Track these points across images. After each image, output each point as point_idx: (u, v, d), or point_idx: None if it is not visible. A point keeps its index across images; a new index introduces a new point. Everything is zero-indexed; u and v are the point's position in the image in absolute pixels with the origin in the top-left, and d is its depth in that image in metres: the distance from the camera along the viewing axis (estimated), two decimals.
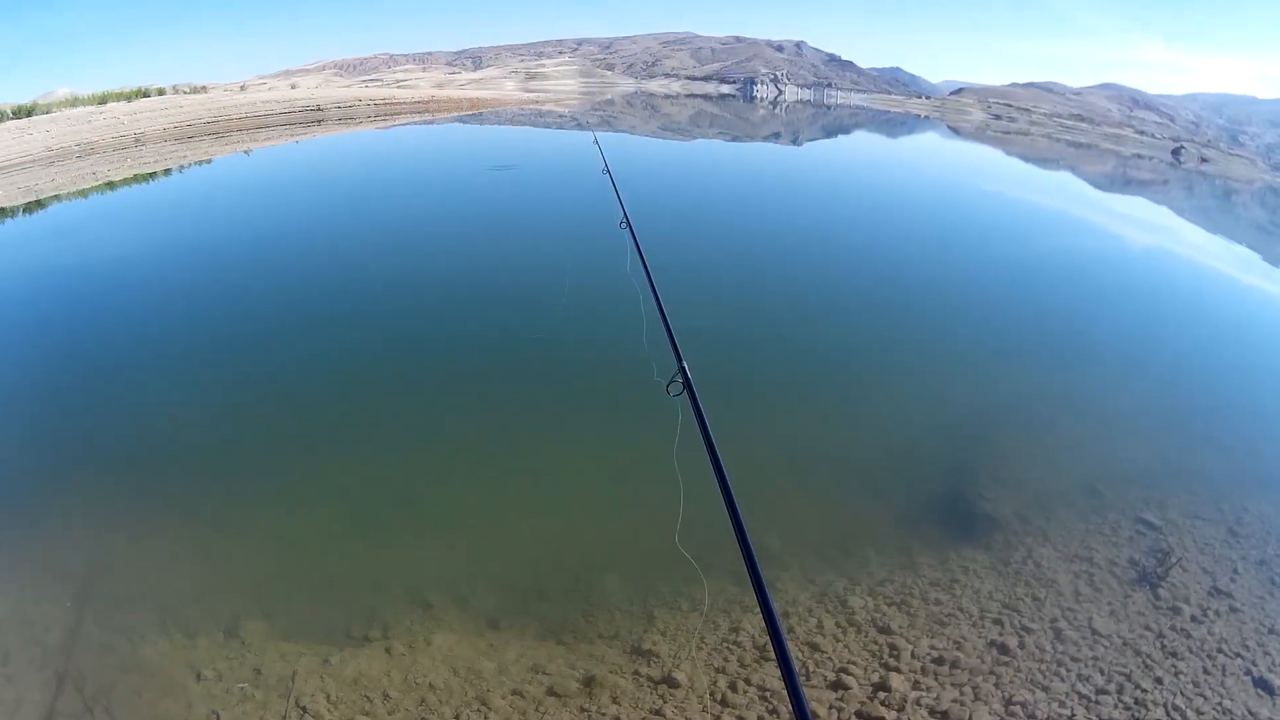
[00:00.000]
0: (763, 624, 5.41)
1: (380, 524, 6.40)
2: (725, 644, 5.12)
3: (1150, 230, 23.34)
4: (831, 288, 13.07)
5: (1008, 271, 15.31)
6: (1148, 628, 5.51)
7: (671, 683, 4.81)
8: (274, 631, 5.12)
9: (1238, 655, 5.36)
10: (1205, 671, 5.19)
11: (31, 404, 8.35)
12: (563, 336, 9.85)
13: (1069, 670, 5.05)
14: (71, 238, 16.50)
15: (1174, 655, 5.28)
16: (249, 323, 10.51)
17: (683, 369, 2.64)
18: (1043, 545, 6.37)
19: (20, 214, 19.52)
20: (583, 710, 4.61)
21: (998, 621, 5.44)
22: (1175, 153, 55.56)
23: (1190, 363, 11.33)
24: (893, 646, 5.11)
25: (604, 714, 4.59)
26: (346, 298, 11.42)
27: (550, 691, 4.73)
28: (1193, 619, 5.65)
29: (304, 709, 4.49)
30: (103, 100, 39.42)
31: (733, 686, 4.79)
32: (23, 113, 34.63)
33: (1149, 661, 5.19)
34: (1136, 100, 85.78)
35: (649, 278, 3.61)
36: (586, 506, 6.78)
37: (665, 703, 4.68)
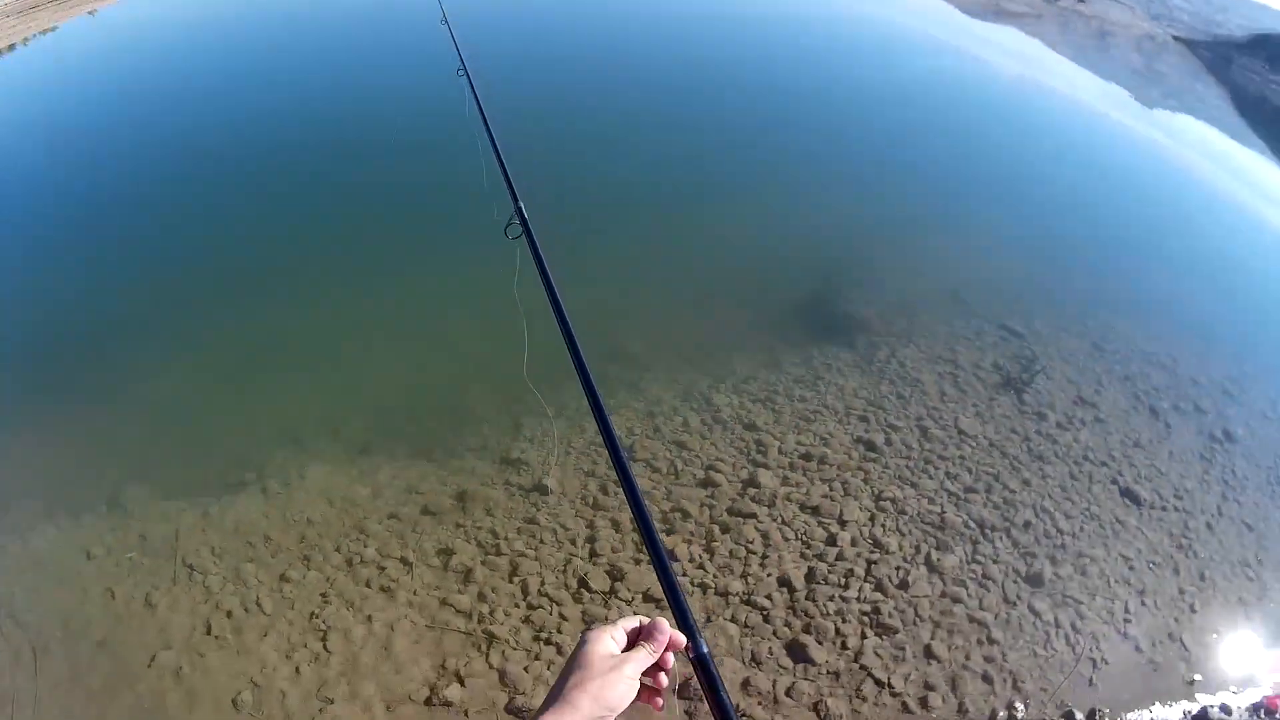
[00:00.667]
0: (626, 426, 4.98)
1: (246, 370, 5.91)
2: (593, 446, 4.75)
3: (1021, 61, 23.21)
4: (693, 106, 12.15)
5: (875, 90, 14.73)
6: (1014, 431, 5.34)
7: (542, 490, 4.54)
8: (154, 493, 4.74)
9: (1103, 464, 5.25)
10: (1072, 477, 5.06)
11: None
12: (408, 183, 8.77)
13: (936, 468, 4.82)
14: None
15: (1041, 459, 5.12)
16: (99, 189, 9.08)
17: (519, 209, 2.11)
18: (906, 346, 6.08)
19: None
20: (458, 526, 4.35)
21: (863, 419, 5.13)
22: None
23: (1060, 190, 11.16)
24: (760, 443, 4.74)
25: (479, 527, 4.32)
26: (193, 154, 9.95)
27: (425, 510, 4.47)
28: (1058, 425, 5.51)
29: (191, 566, 4.21)
30: None
31: (603, 489, 4.47)
32: None
33: (1016, 464, 5.01)
34: None
35: (484, 119, 3.05)
36: (445, 333, 6.27)
37: (538, 510, 4.41)
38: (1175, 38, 35.08)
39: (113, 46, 22.19)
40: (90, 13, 29.32)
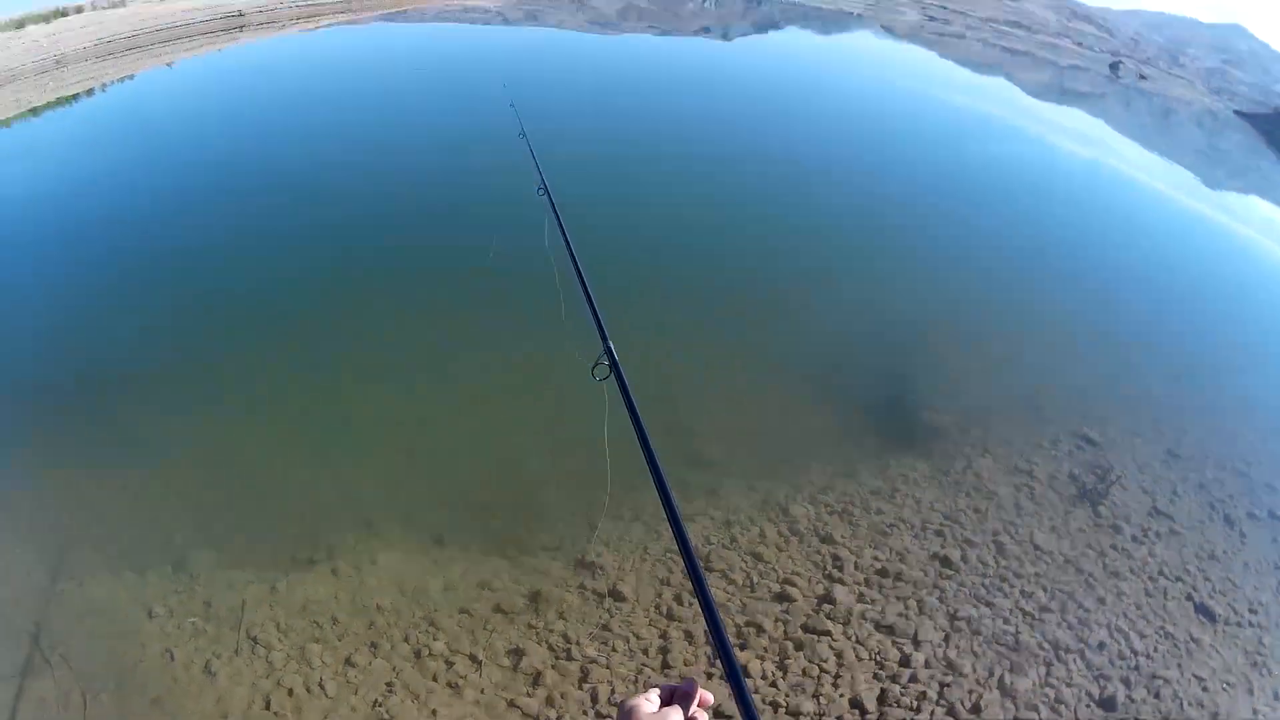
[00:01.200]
0: (703, 535, 5.13)
1: (320, 446, 6.03)
2: (669, 554, 4.85)
3: (1087, 143, 23.25)
4: (764, 197, 12.47)
5: (945, 179, 14.94)
6: (1089, 546, 5.38)
7: (617, 596, 4.60)
8: (221, 561, 4.85)
9: (1179, 579, 5.27)
10: (1147, 594, 5.09)
11: None
12: (491, 280, 9.09)
13: (1012, 586, 4.88)
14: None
15: (1116, 575, 5.16)
16: (175, 248, 9.44)
17: (608, 349, 2.30)
18: (982, 457, 6.18)
19: None
20: (530, 627, 4.42)
21: (939, 534, 5.23)
22: (1114, 67, 55.77)
23: (1128, 282, 11.21)
24: (836, 557, 4.87)
25: (551, 630, 4.39)
26: (276, 218, 10.34)
27: (497, 609, 4.54)
28: (1133, 539, 5.54)
29: (255, 639, 4.31)
30: (20, 25, 36.35)
31: (678, 599, 4.56)
32: None
33: (1091, 581, 5.06)
34: (1076, 11, 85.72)
35: (568, 246, 3.19)
36: (524, 428, 6.35)
37: (612, 617, 4.48)
38: (1236, 112, 34.67)
39: (197, 92, 23.13)
40: (168, 64, 30.92)
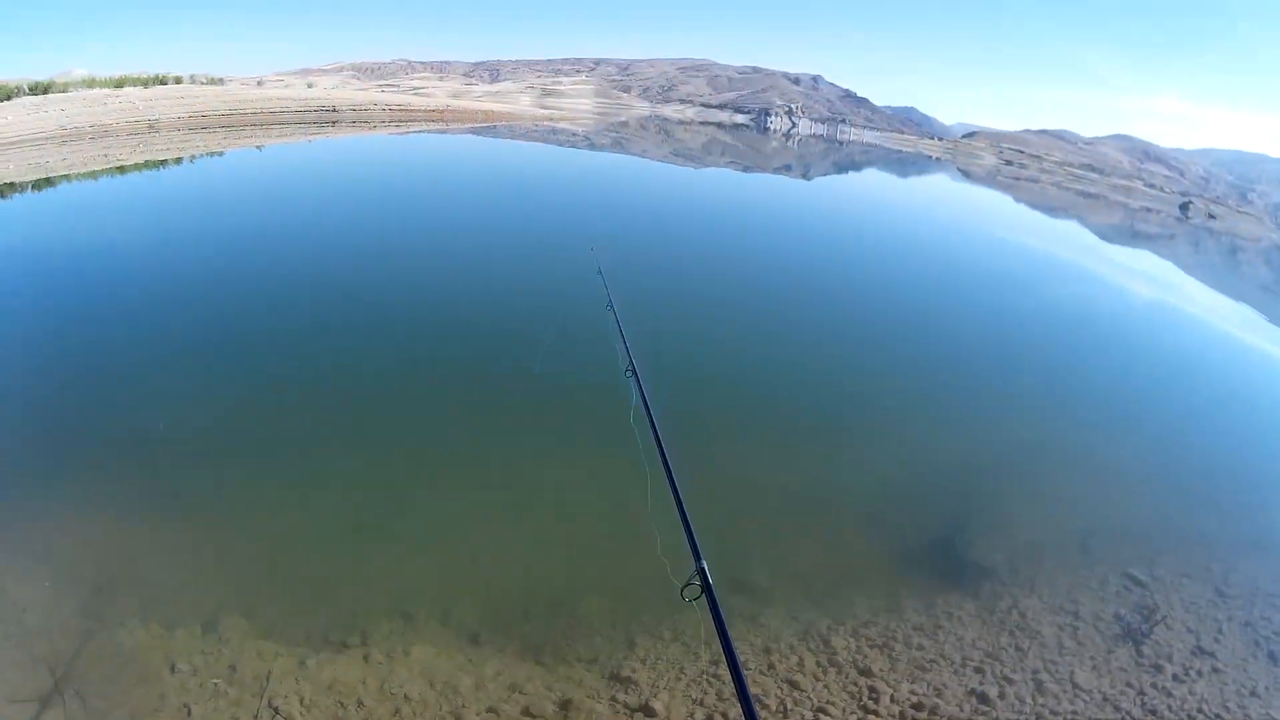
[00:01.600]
0: (740, 659, 5.44)
1: (366, 533, 6.39)
2: (705, 676, 5.11)
3: (1155, 284, 23.43)
4: (828, 331, 13.09)
5: (1009, 319, 15.38)
6: (1129, 684, 5.51)
7: (649, 711, 4.79)
8: (253, 629, 5.11)
9: (1217, 716, 5.35)
10: None
11: (24, 388, 8.31)
12: (544, 373, 9.76)
13: None
14: (80, 219, 16.65)
15: (1153, 713, 5.27)
16: (246, 321, 10.46)
17: (701, 569, 2.50)
18: (1029, 596, 6.38)
19: (29, 190, 19.65)
20: None
21: (979, 670, 5.44)
22: (1183, 207, 55.97)
23: (1190, 421, 11.35)
24: (872, 689, 5.11)
25: None
26: (343, 306, 11.36)
27: (526, 712, 4.70)
28: (1174, 678, 5.64)
29: (276, 710, 4.47)
30: (119, 84, 39.34)
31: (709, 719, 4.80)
32: (39, 90, 34.59)
33: (1128, 719, 5.19)
34: (1148, 153, 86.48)
35: (660, 449, 3.31)
36: (572, 531, 6.77)
37: None
38: None
39: (285, 178, 25.14)
40: (258, 147, 33.00)
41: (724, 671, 5.13)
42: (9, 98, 32.07)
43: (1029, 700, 5.22)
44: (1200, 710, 5.38)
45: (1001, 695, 5.22)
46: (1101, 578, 6.76)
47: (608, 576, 6.11)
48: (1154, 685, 5.54)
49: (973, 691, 5.22)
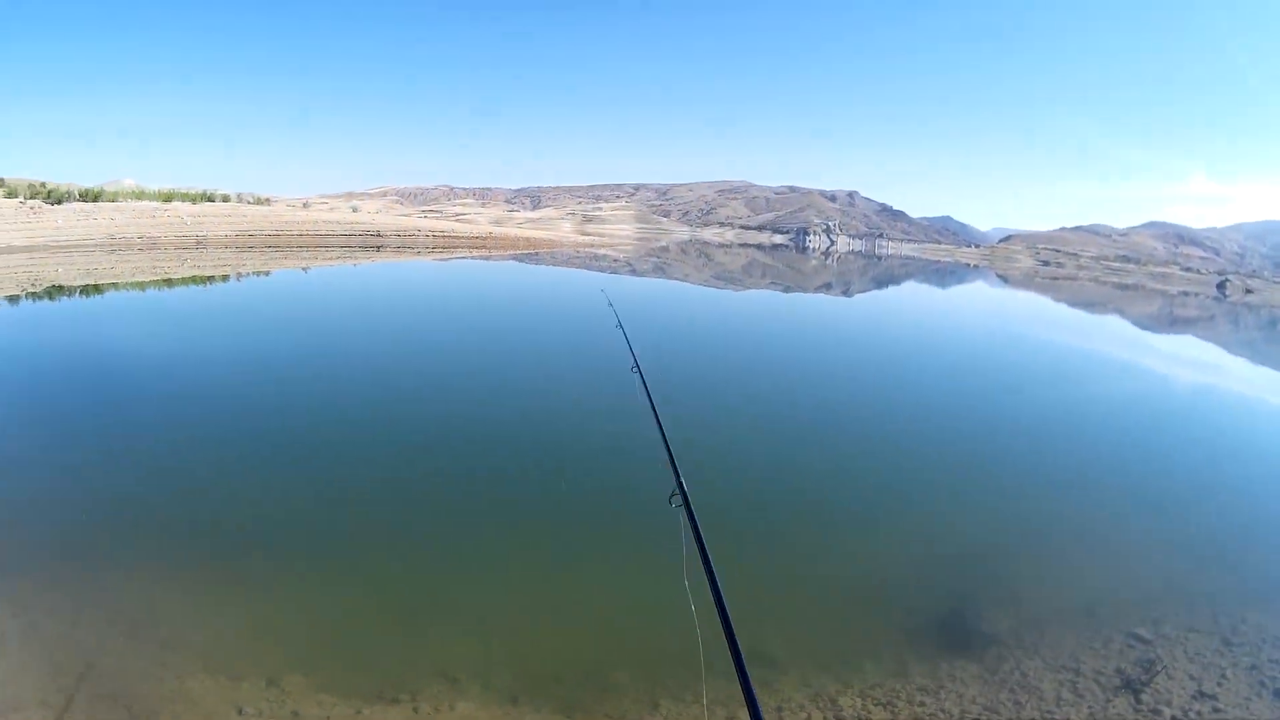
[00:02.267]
0: None
1: (415, 608, 7.08)
2: None
3: (1197, 368, 23.72)
4: (858, 421, 13.70)
5: (1050, 417, 15.81)
6: None
7: None
8: (311, 685, 5.68)
9: None
10: None
11: (101, 468, 9.59)
12: (580, 463, 10.74)
13: None
14: (139, 325, 18.30)
15: None
16: (310, 427, 11.80)
17: (680, 484, 2.98)
18: (1031, 658, 6.73)
19: (78, 294, 21.23)
20: None
21: None
22: (1220, 286, 55.98)
23: (1224, 494, 11.65)
24: None
25: None
26: (393, 412, 12.64)
27: None
28: (1173, 719, 5.97)
29: None
30: (168, 198, 41.54)
31: None
32: (89, 197, 36.83)
33: None
34: (1181, 236, 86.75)
35: (652, 406, 3.94)
36: (604, 610, 7.35)
37: None
38: None
39: (332, 297, 26.65)
40: (304, 268, 34.24)
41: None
42: (60, 201, 34.25)
43: None
44: None
45: None
46: (1106, 638, 7.08)
47: (635, 652, 6.62)
48: None
49: None
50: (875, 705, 5.97)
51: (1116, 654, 6.84)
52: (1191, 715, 6.01)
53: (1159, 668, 6.57)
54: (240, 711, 5.34)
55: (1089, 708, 6.08)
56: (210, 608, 6.77)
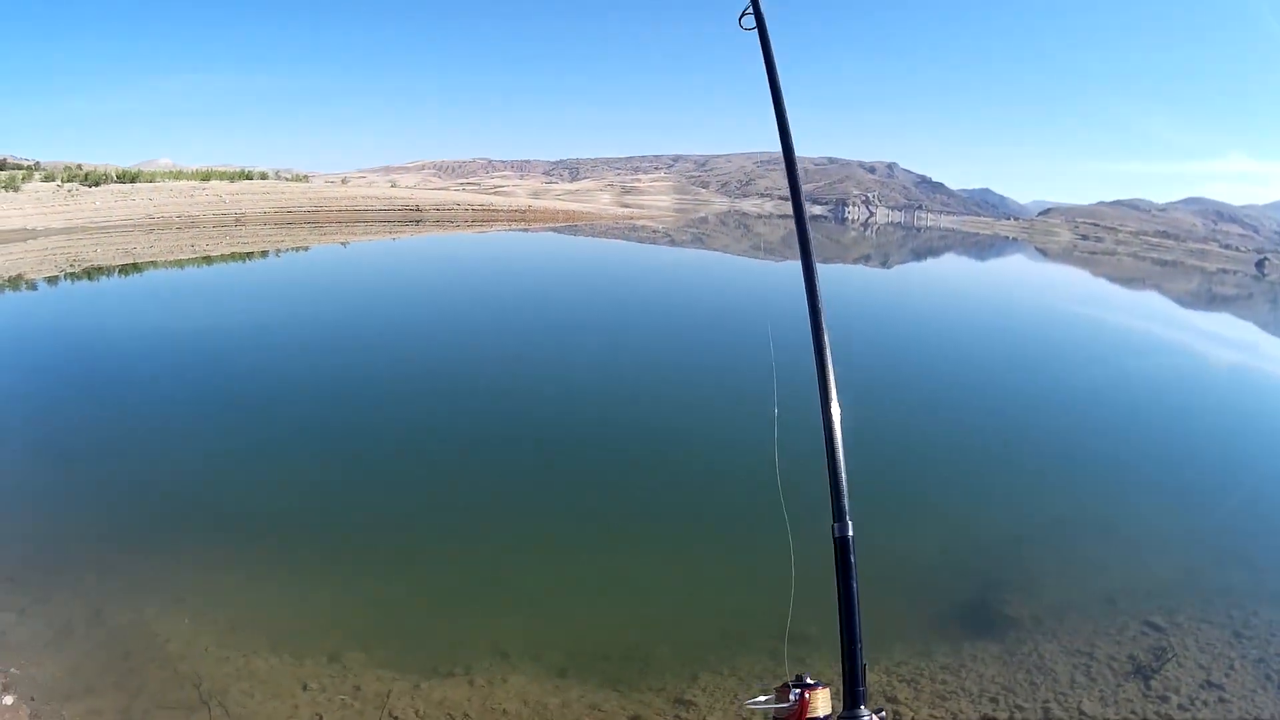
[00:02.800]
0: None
1: (469, 588, 7.64)
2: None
3: (1234, 347, 23.76)
4: (881, 409, 13.97)
5: (1083, 393, 16.08)
6: (1133, 712, 6.25)
7: None
8: (371, 661, 6.16)
9: None
10: None
11: (156, 456, 10.12)
12: (611, 444, 11.37)
13: None
14: (179, 303, 19.60)
15: None
16: (364, 411, 12.30)
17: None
18: (1049, 642, 7.13)
19: (116, 274, 21.93)
20: None
21: (994, 700, 6.25)
22: (1259, 264, 55.27)
23: (1252, 480, 11.92)
24: (896, 713, 5.99)
25: None
26: (455, 401, 13.09)
27: None
28: (1179, 707, 6.35)
29: (396, 718, 5.51)
30: (206, 177, 41.80)
31: None
32: (127, 178, 37.28)
33: None
34: (1221, 214, 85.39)
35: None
36: (646, 590, 7.90)
37: None
38: None
39: (384, 271, 27.90)
40: (343, 243, 34.77)
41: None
42: (98, 184, 34.79)
43: None
44: None
45: (1011, 719, 6.06)
46: (1121, 626, 7.47)
47: (677, 632, 7.13)
48: (1158, 713, 6.25)
49: (985, 716, 6.06)
50: (900, 682, 6.43)
51: (1130, 641, 7.23)
52: (1198, 703, 6.40)
53: (1170, 656, 6.96)
54: (305, 687, 5.78)
55: (1100, 691, 6.49)
56: (271, 591, 7.27)
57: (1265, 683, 6.73)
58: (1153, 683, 6.63)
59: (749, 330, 20.34)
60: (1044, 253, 67.14)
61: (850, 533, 2.12)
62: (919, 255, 58.51)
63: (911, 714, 6.02)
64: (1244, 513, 10.55)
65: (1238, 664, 6.96)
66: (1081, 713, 6.20)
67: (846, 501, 2.17)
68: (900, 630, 7.32)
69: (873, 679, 6.47)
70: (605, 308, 23.17)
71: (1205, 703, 6.43)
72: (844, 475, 2.24)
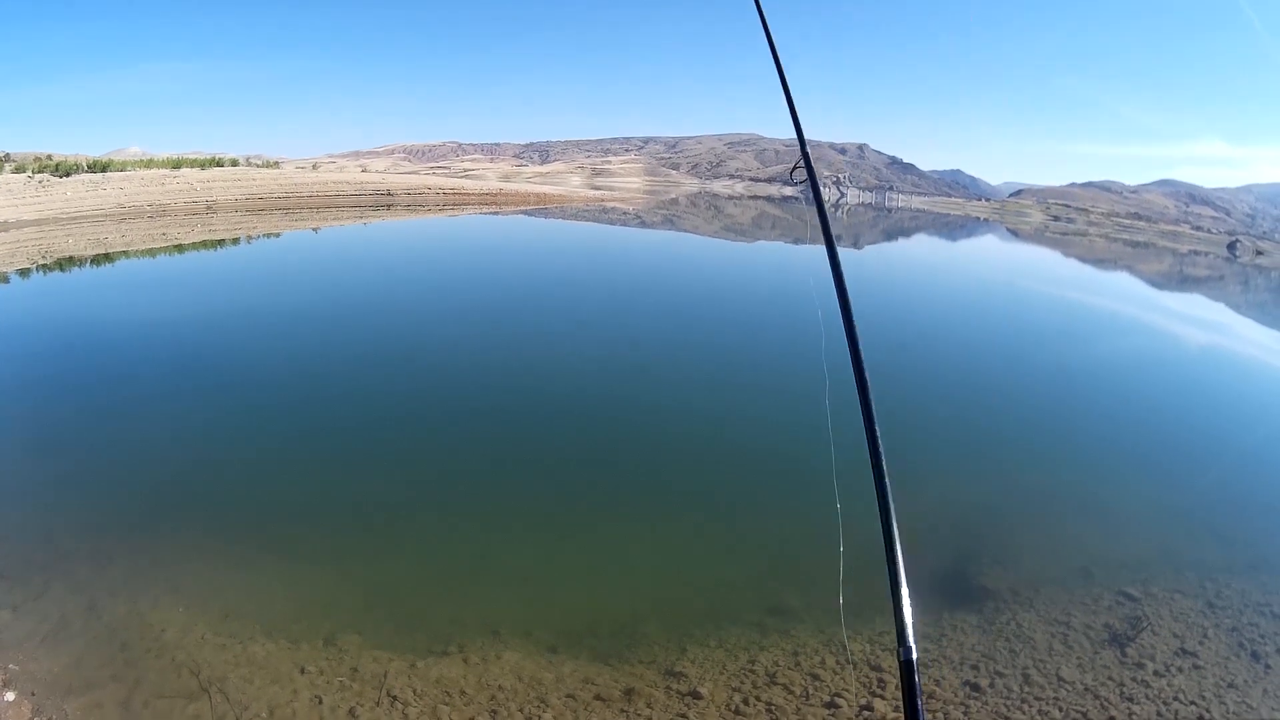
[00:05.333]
0: (770, 660, 6.43)
1: (459, 569, 7.71)
2: (743, 671, 6.17)
3: (1205, 327, 24.10)
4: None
5: (1055, 373, 16.27)
6: (1110, 678, 6.38)
7: (696, 695, 5.84)
8: (367, 643, 6.22)
9: (1192, 703, 6.19)
10: (1159, 715, 6.06)
11: (147, 446, 10.03)
12: (597, 424, 11.43)
13: (1030, 706, 5.96)
14: (156, 293, 19.23)
15: (1130, 700, 6.14)
16: (349, 399, 12.21)
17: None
18: (1027, 611, 7.28)
19: (89, 265, 21.62)
20: (622, 711, 5.67)
21: (974, 667, 6.38)
22: (1231, 247, 56.08)
23: (1223, 458, 12.14)
24: (880, 680, 6.10)
25: (639, 715, 5.64)
26: (439, 386, 13.14)
27: (597, 697, 5.79)
28: (1155, 673, 6.50)
29: (394, 697, 5.58)
30: (176, 165, 41.37)
31: (745, 702, 5.80)
32: (97, 167, 36.82)
33: (1105, 704, 6.06)
34: (1193, 196, 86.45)
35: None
36: (633, 568, 7.98)
37: (689, 709, 5.71)
38: None
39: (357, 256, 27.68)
40: (314, 229, 34.64)
41: (757, 668, 6.21)
42: (68, 174, 34.36)
43: (1016, 689, 6.14)
44: (1176, 699, 6.23)
45: (992, 685, 6.15)
46: (1096, 596, 7.62)
47: (664, 607, 7.21)
48: (1134, 679, 6.40)
49: (966, 682, 6.17)
50: (883, 651, 6.52)
51: (1106, 610, 7.38)
52: (1173, 670, 6.55)
53: (1145, 625, 7.11)
54: (303, 671, 5.83)
55: (1078, 658, 6.63)
56: (265, 578, 7.28)
57: (1238, 650, 6.89)
58: (1128, 650, 6.77)
59: (730, 309, 20.44)
60: (1015, 233, 67.67)
61: (915, 656, 1.98)
62: (890, 236, 58.85)
63: (895, 680, 6.10)
64: (1217, 488, 10.74)
65: (1211, 633, 7.12)
66: (1060, 679, 6.33)
67: (910, 621, 2.06)
68: (881, 602, 7.39)
69: (856, 647, 6.58)
70: (587, 290, 23.17)
71: (1180, 669, 6.57)
72: (906, 595, 2.11)
